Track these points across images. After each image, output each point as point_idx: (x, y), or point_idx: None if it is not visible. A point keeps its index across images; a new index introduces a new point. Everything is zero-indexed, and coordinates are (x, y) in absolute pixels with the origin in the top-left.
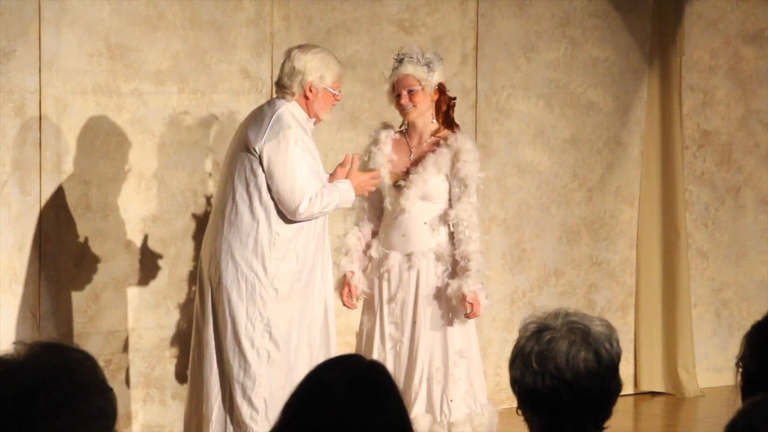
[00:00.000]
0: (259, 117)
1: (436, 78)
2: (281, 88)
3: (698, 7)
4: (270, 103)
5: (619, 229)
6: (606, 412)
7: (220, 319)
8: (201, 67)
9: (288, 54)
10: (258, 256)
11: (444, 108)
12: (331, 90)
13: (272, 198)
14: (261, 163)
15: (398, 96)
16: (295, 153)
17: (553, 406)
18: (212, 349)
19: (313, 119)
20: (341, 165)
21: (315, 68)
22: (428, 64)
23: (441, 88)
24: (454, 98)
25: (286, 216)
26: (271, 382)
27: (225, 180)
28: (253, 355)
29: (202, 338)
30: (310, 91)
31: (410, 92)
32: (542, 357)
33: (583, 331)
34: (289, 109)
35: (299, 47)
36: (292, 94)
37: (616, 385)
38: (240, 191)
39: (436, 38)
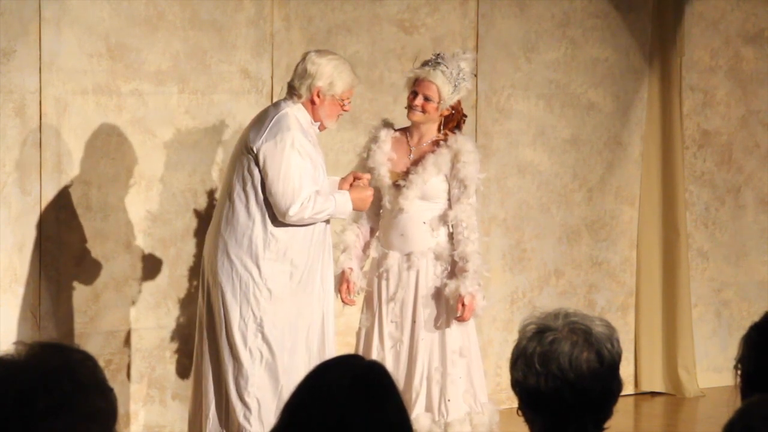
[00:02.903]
0: (262, 118)
1: (455, 98)
2: (291, 89)
3: (698, 7)
4: (276, 104)
5: (620, 230)
6: (607, 412)
7: (215, 317)
8: (201, 67)
9: (304, 56)
10: (252, 256)
11: (453, 124)
12: (339, 99)
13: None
14: (257, 163)
15: (414, 93)
16: (291, 155)
17: (555, 407)
18: (209, 347)
19: (318, 123)
20: (345, 180)
21: (326, 74)
22: (456, 85)
23: (456, 106)
24: (466, 116)
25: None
26: (264, 382)
27: (226, 180)
28: (245, 355)
29: (202, 336)
30: (318, 96)
31: (426, 99)
32: (545, 358)
33: (585, 331)
34: (293, 112)
35: (317, 51)
36: (300, 97)
37: (617, 385)
38: (237, 190)
39: (437, 38)
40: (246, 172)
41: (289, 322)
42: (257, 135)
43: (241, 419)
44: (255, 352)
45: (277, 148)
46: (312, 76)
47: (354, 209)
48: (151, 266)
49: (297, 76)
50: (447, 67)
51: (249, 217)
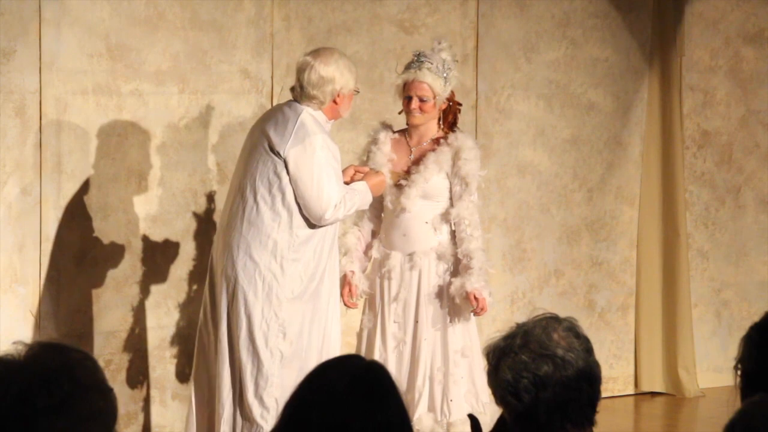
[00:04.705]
0: (280, 119)
1: (449, 89)
2: (308, 98)
3: (698, 7)
4: (290, 105)
5: (620, 230)
6: (598, 392)
7: (234, 317)
8: (201, 67)
9: (306, 65)
10: (277, 257)
11: (451, 117)
12: (354, 90)
13: (296, 201)
14: (287, 167)
15: (409, 98)
16: (322, 160)
17: (556, 389)
18: (225, 346)
19: (332, 121)
20: (345, 172)
21: (340, 75)
22: (446, 76)
23: (450, 97)
24: (461, 104)
25: (310, 221)
26: (283, 381)
27: (243, 180)
28: (266, 355)
29: (215, 336)
30: (338, 96)
31: (422, 101)
32: (527, 347)
33: (550, 317)
34: (311, 113)
35: (318, 57)
36: (321, 103)
37: (597, 363)
38: (262, 192)
39: (436, 39)
40: (273, 175)
41: (307, 321)
42: (282, 139)
43: (259, 419)
44: (276, 353)
45: (307, 152)
46: (331, 82)
47: (373, 196)
48: (151, 266)
49: (312, 85)
50: (432, 63)
51: (274, 218)
